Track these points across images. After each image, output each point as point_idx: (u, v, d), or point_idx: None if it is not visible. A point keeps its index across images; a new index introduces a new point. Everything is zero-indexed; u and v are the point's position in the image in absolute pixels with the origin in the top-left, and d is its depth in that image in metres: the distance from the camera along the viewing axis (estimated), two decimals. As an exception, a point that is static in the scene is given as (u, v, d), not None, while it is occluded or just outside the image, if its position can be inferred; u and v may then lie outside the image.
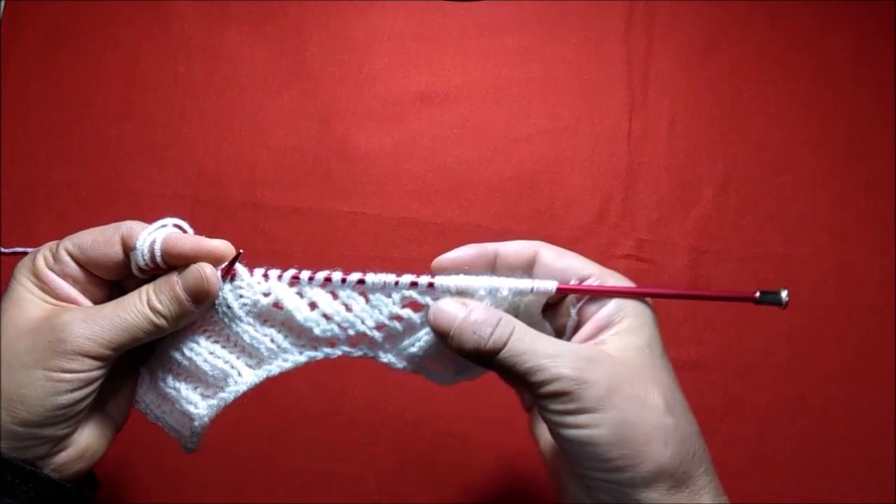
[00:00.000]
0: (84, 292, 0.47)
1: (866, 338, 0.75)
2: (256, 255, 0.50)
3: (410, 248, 0.76)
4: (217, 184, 0.78)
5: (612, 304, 0.45)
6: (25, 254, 0.49)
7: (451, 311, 0.45)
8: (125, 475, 0.70)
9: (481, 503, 0.71)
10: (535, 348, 0.43)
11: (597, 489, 0.43)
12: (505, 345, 0.43)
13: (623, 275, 0.47)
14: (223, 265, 0.47)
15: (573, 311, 0.47)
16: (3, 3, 0.81)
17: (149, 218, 0.48)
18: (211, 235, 0.48)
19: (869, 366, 0.74)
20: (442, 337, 0.45)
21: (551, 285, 0.46)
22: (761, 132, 0.80)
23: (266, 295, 0.48)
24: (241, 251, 0.48)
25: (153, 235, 0.46)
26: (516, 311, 0.47)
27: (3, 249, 0.73)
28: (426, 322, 0.47)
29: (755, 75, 0.81)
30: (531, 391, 0.43)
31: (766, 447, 0.73)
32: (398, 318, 0.48)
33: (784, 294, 0.45)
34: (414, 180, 0.78)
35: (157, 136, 0.79)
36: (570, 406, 0.41)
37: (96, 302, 0.47)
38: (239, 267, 0.48)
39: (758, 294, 0.46)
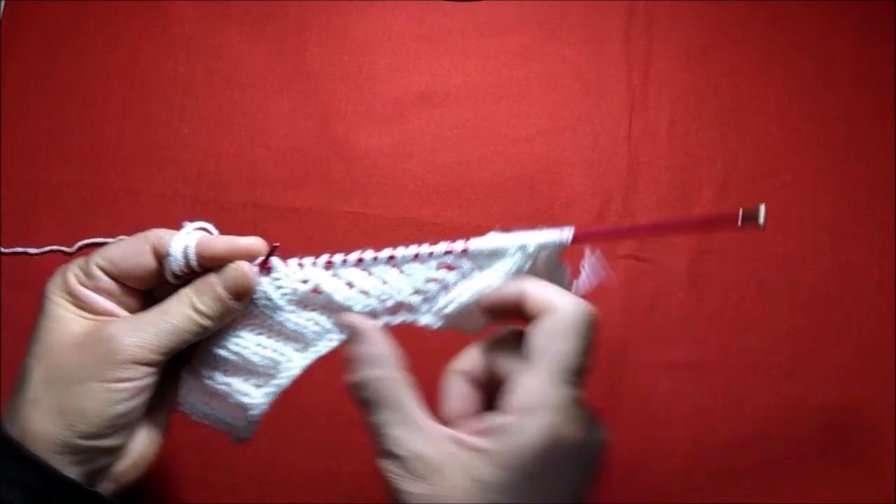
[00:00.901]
0: (119, 304, 0.48)
1: (866, 338, 0.75)
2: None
3: (410, 248, 0.76)
4: (217, 184, 0.78)
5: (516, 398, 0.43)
6: (26, 254, 0.49)
7: None
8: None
9: (481, 503, 0.71)
10: (410, 411, 0.46)
11: None
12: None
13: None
14: (258, 260, 0.49)
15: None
16: (3, 3, 0.81)
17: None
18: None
19: (869, 366, 0.74)
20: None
21: (567, 234, 0.49)
22: (761, 132, 0.80)
23: (304, 282, 0.50)
24: (277, 245, 0.49)
25: (185, 241, 0.47)
26: (535, 262, 0.50)
27: (3, 249, 0.73)
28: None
29: (755, 75, 0.81)
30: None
31: (766, 447, 0.73)
32: (434, 280, 0.51)
33: (762, 210, 0.47)
34: (414, 180, 0.78)
35: (157, 136, 0.79)
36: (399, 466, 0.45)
37: (131, 312, 0.48)
38: (273, 259, 0.50)
39: (740, 213, 0.48)
